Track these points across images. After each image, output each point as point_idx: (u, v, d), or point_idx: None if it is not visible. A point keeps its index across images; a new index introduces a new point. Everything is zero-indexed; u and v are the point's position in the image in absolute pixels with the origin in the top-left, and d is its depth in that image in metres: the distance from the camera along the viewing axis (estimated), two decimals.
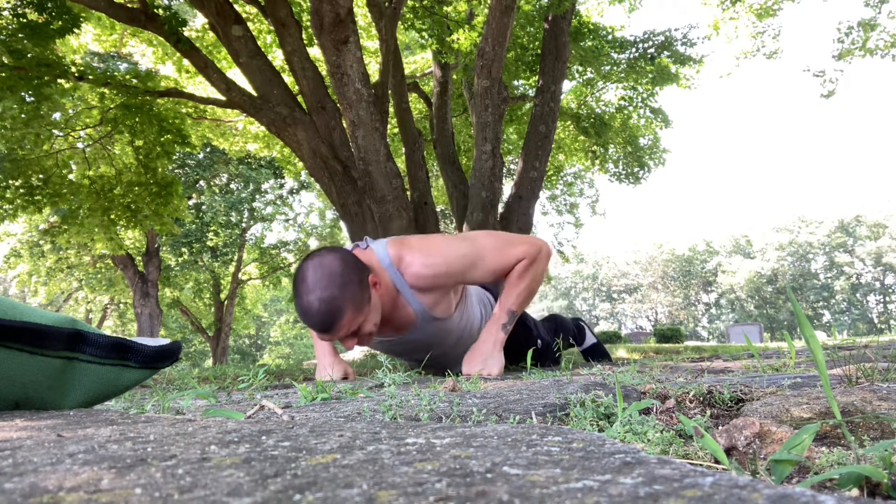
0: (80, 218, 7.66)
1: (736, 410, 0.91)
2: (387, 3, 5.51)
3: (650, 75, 8.29)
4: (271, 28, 6.70)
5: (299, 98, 5.37)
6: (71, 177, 7.91)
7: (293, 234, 18.90)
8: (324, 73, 5.85)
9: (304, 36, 5.52)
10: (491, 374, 1.80)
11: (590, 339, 2.92)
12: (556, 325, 2.69)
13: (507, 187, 8.53)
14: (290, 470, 0.36)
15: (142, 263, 13.61)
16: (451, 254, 1.83)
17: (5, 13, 5.58)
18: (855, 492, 0.46)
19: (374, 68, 8.37)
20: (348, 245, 2.07)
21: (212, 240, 15.41)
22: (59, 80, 6.12)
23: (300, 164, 9.84)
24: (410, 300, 1.85)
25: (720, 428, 0.70)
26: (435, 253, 1.83)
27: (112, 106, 6.80)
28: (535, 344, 2.34)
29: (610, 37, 8.29)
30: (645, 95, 9.25)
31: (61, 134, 7.59)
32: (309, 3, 4.99)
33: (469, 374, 1.80)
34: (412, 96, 8.82)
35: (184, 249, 15.10)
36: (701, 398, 0.97)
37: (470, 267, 1.84)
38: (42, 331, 0.75)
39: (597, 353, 2.89)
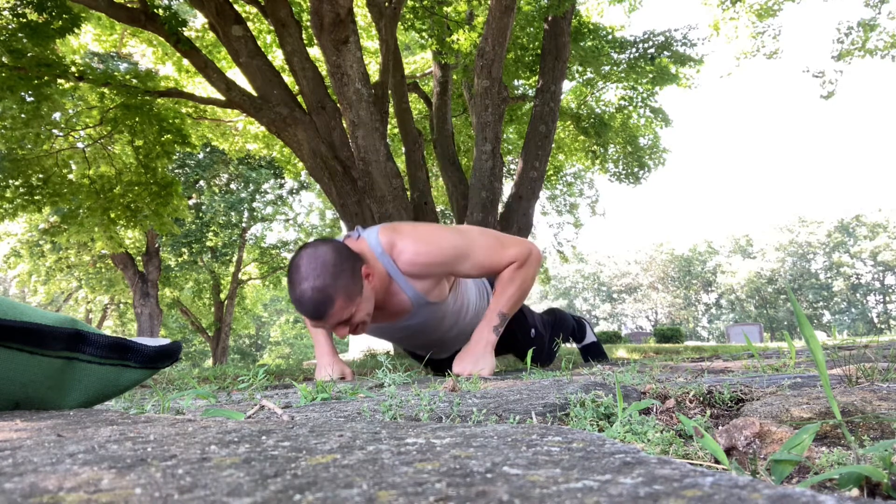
0: (79, 217, 7.66)
1: (736, 410, 0.91)
2: (387, 3, 5.51)
3: (650, 75, 8.29)
4: (271, 28, 6.70)
5: (299, 98, 5.37)
6: (71, 176, 7.91)
7: (293, 234, 18.91)
8: (324, 73, 5.85)
9: (304, 36, 5.52)
10: (483, 373, 1.80)
11: (589, 337, 2.92)
12: (554, 318, 2.69)
13: (507, 187, 8.54)
14: (290, 470, 0.36)
15: (142, 263, 13.60)
16: (444, 243, 1.85)
17: (5, 13, 5.57)
18: (855, 492, 0.46)
19: (374, 68, 8.37)
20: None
21: (211, 240, 15.41)
22: (59, 80, 6.12)
23: (300, 164, 9.84)
24: (404, 287, 1.88)
25: (720, 428, 0.70)
26: (427, 241, 1.85)
27: (112, 106, 6.80)
28: (529, 334, 2.35)
29: (610, 37, 8.28)
30: (645, 95, 9.25)
31: (61, 134, 7.58)
32: (309, 3, 4.99)
33: (461, 374, 1.80)
34: (412, 96, 8.81)
35: (184, 249, 15.10)
36: (701, 398, 0.97)
37: (461, 259, 1.85)
38: (42, 331, 0.75)
39: (594, 353, 2.89)
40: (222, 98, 5.70)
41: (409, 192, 5.81)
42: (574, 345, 2.99)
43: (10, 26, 5.54)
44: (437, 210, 9.41)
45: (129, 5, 5.77)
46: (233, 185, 16.10)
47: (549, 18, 6.35)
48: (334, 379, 2.00)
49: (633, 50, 8.17)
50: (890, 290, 44.98)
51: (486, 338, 1.90)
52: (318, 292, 1.62)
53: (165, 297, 15.87)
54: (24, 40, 5.61)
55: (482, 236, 1.94)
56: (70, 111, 7.73)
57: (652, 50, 8.11)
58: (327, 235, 17.68)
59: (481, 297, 2.31)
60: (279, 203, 16.74)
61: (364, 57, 5.54)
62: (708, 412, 0.77)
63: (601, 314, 52.19)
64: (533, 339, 2.39)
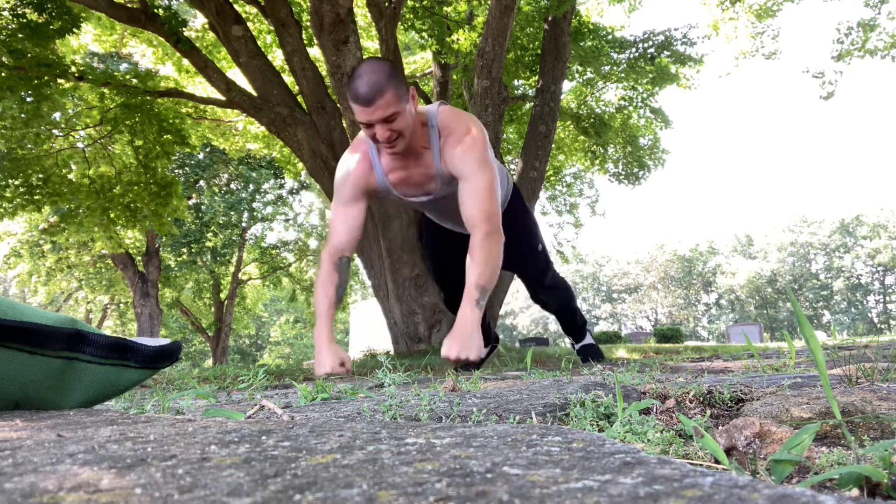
0: (79, 217, 7.66)
1: (736, 410, 0.91)
2: (387, 3, 5.51)
3: (650, 75, 8.28)
4: (271, 28, 6.70)
5: (299, 98, 5.37)
6: (71, 176, 7.91)
7: (293, 234, 18.91)
8: (324, 73, 5.85)
9: (304, 36, 5.52)
10: (470, 357, 1.80)
11: (588, 339, 2.95)
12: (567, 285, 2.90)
13: None
14: (290, 470, 0.36)
15: (142, 263, 13.60)
16: (478, 153, 1.99)
17: (5, 13, 5.57)
18: (855, 492, 0.46)
19: None
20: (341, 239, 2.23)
21: (211, 240, 15.41)
22: (59, 80, 6.12)
23: (300, 165, 9.84)
24: (436, 158, 2.05)
25: (720, 428, 0.70)
26: (469, 146, 2.00)
27: (112, 106, 6.79)
28: (535, 247, 2.52)
29: (610, 37, 8.28)
30: (645, 95, 9.25)
31: (61, 134, 7.58)
32: (309, 3, 4.99)
33: (448, 358, 1.80)
34: None
35: (183, 250, 15.10)
36: (701, 398, 0.97)
37: (470, 170, 1.97)
38: (42, 331, 0.75)
39: (592, 353, 2.90)
40: (222, 98, 5.70)
41: None
42: (573, 346, 3.01)
43: (10, 26, 5.54)
44: None
45: (129, 5, 5.77)
46: (233, 185, 16.11)
47: (549, 18, 6.35)
48: (329, 371, 2.01)
49: (633, 50, 8.17)
50: (890, 290, 44.98)
51: (470, 318, 1.89)
52: (378, 74, 1.83)
53: (165, 297, 15.86)
54: (25, 40, 5.61)
55: (493, 194, 2.03)
56: (70, 111, 7.73)
57: (652, 50, 8.10)
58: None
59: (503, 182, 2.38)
60: (279, 203, 16.74)
61: (364, 57, 5.54)
62: (708, 412, 0.77)
63: (601, 314, 52.17)
64: (540, 252, 2.45)
